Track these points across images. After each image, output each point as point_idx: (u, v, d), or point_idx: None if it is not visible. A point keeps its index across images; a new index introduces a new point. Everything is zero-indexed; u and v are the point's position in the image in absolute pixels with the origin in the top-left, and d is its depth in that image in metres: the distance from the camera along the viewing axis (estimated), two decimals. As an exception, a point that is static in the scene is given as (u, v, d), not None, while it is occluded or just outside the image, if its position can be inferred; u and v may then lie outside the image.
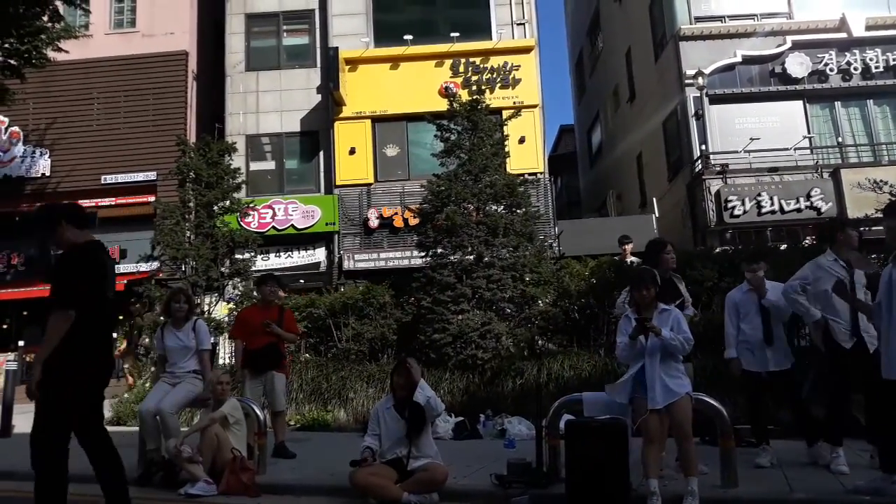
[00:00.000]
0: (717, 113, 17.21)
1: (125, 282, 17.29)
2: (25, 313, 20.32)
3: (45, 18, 15.92)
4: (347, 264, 17.81)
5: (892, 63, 17.19)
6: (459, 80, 18.48)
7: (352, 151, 18.53)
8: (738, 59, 17.37)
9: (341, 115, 18.70)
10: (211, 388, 6.14)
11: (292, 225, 18.26)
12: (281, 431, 7.17)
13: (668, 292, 5.44)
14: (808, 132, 17.16)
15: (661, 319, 4.96)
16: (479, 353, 9.67)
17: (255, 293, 11.69)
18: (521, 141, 17.45)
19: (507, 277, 10.29)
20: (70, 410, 4.07)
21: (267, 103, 19.42)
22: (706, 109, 17.05)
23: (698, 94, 17.10)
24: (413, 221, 15.09)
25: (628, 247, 10.50)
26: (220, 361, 11.81)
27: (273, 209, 18.27)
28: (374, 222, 18.08)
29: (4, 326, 20.66)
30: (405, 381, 5.39)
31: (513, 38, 19.08)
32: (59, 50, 16.27)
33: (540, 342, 10.11)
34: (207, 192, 13.95)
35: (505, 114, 13.92)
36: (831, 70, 17.26)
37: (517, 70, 18.57)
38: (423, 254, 11.18)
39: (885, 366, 4.66)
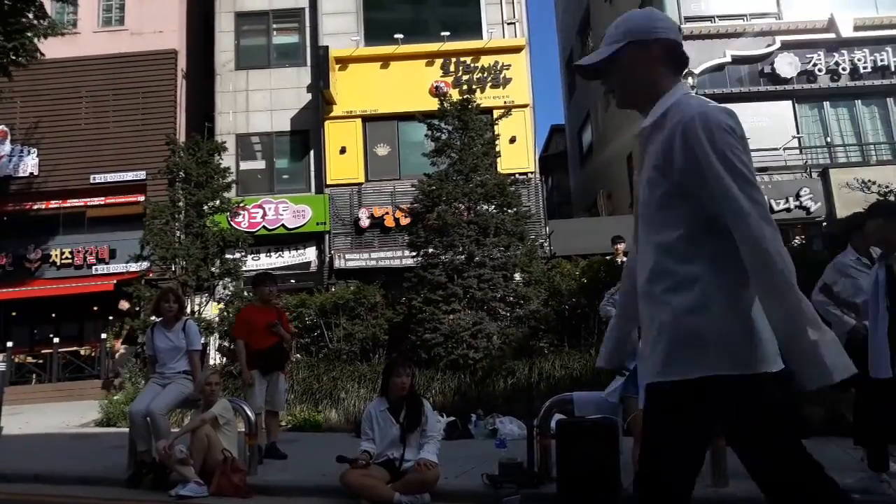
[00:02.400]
0: (707, 113, 17.27)
1: (115, 282, 17.23)
2: (14, 314, 20.18)
3: (31, 16, 15.80)
4: (338, 264, 17.79)
5: (879, 63, 17.33)
6: (450, 79, 18.49)
7: (342, 151, 18.50)
8: (728, 59, 17.47)
9: (332, 115, 18.67)
10: (201, 388, 6.11)
11: (283, 224, 18.22)
12: (274, 432, 7.15)
13: None
14: (798, 132, 17.28)
15: None
16: (471, 353, 9.68)
17: (249, 293, 11.64)
18: (512, 140, 17.49)
19: (499, 277, 10.30)
20: None
21: (257, 102, 19.36)
22: (696, 109, 17.10)
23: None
24: (404, 221, 15.10)
25: (620, 246, 10.53)
26: (211, 362, 11.76)
27: (263, 209, 18.23)
28: (364, 222, 18.06)
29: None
30: (406, 379, 5.38)
31: (503, 37, 19.10)
32: (37, 51, 16.12)
33: (531, 342, 10.12)
34: (197, 192, 13.88)
35: (496, 113, 13.93)
36: (820, 70, 17.38)
37: (507, 69, 18.59)
38: (414, 253, 11.17)
39: (871, 365, 4.69)
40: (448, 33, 18.63)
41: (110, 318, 17.23)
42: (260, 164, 19.58)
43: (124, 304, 14.90)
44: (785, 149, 16.86)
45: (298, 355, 10.75)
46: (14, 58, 15.65)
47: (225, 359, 11.40)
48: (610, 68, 2.07)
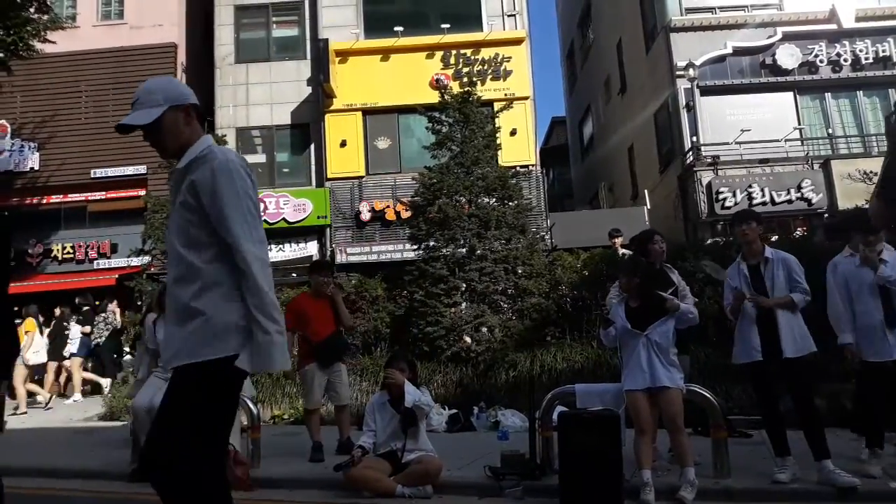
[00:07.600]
0: (708, 104, 17.23)
1: (116, 276, 17.24)
2: (16, 308, 20.20)
3: (32, 10, 15.77)
4: (339, 258, 17.77)
5: (881, 54, 17.26)
6: (450, 71, 18.44)
7: (343, 144, 18.47)
8: (729, 50, 17.39)
9: (332, 108, 18.62)
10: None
11: (284, 218, 18.21)
12: (346, 427, 6.81)
13: (660, 282, 5.46)
14: (799, 123, 17.23)
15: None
16: (472, 346, 9.69)
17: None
18: (513, 133, 17.44)
19: (500, 270, 10.30)
20: None
21: (257, 96, 19.32)
22: (697, 101, 17.07)
23: (689, 86, 17.11)
24: (405, 214, 15.08)
25: (618, 240, 10.53)
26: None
27: (264, 202, 18.18)
28: (365, 215, 18.04)
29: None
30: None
31: (504, 29, 19.03)
32: (46, 41, 16.11)
33: (533, 334, 10.13)
34: (198, 186, 13.88)
35: (496, 106, 13.87)
36: (821, 61, 17.31)
37: (508, 62, 18.53)
38: (415, 247, 11.17)
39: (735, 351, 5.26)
40: (448, 26, 18.56)
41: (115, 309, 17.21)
42: (260, 158, 19.54)
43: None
44: (786, 140, 16.81)
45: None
46: (15, 51, 15.62)
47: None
48: (156, 126, 2.57)
